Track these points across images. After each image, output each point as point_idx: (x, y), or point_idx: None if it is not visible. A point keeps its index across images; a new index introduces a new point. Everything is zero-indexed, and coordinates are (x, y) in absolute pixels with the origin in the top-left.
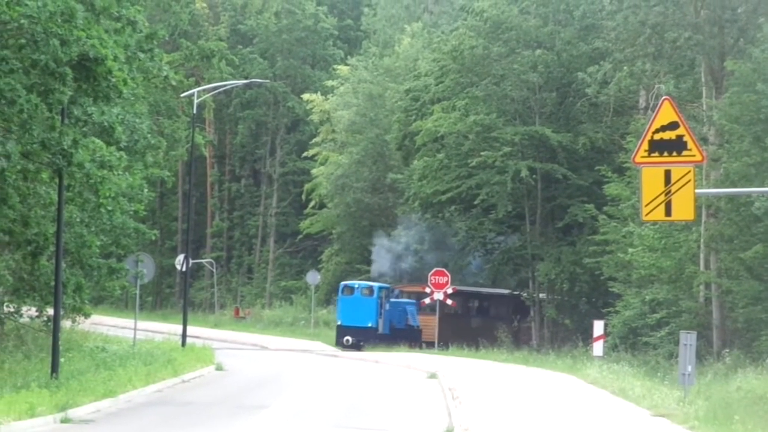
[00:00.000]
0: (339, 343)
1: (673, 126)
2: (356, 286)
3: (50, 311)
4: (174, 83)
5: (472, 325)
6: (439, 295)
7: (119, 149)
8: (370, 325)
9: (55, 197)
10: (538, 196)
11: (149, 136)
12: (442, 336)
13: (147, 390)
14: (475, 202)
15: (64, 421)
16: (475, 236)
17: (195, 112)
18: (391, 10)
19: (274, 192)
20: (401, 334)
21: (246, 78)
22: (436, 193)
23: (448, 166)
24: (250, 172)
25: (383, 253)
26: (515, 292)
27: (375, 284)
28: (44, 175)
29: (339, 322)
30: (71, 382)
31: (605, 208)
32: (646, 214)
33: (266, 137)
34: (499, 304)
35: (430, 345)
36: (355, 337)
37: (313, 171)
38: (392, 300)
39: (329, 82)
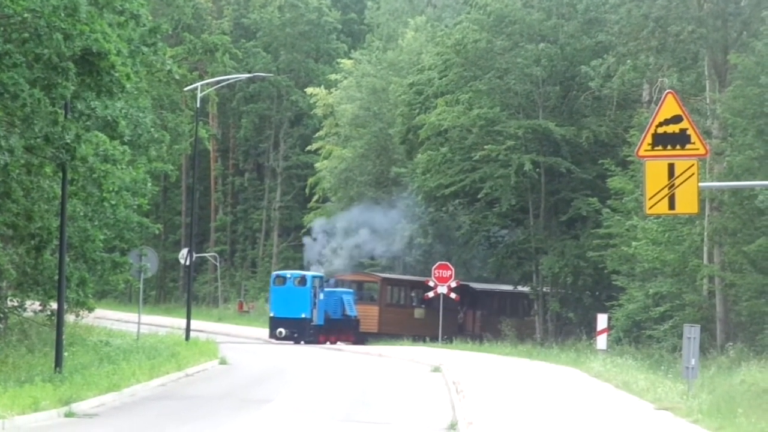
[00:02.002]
0: (272, 336)
1: (676, 119)
2: (288, 275)
3: (54, 305)
4: (177, 77)
5: (415, 316)
6: (443, 289)
7: (123, 143)
8: (303, 316)
9: (59, 191)
10: (542, 189)
11: (153, 130)
12: (383, 327)
13: (151, 384)
14: (479, 196)
15: (68, 415)
16: (478, 230)
17: (198, 105)
18: (394, 4)
19: (277, 186)
20: (337, 325)
21: (249, 72)
22: (439, 186)
23: (452, 160)
24: (253, 166)
25: (319, 238)
26: (462, 283)
27: (308, 273)
28: (48, 169)
29: (271, 314)
30: (75, 376)
31: (609, 202)
32: (650, 208)
33: (270, 131)
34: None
35: (369, 336)
36: (289, 329)
37: (317, 165)
38: (327, 289)
39: (333, 76)
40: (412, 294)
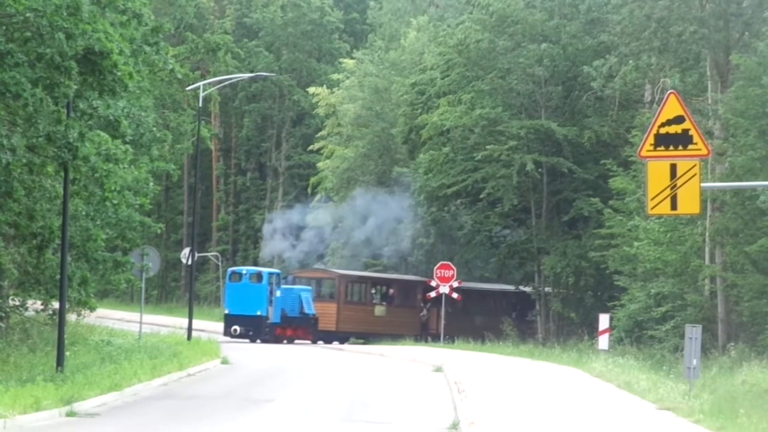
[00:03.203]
0: (227, 333)
1: (678, 120)
2: (244, 271)
3: (55, 305)
4: (179, 76)
5: (375, 313)
6: (444, 289)
7: (125, 143)
8: (259, 313)
9: (61, 190)
10: (544, 189)
11: (155, 129)
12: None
13: (152, 383)
14: (481, 196)
15: (70, 414)
16: (480, 230)
17: (200, 105)
18: (396, 4)
19: (279, 185)
20: (295, 323)
21: (251, 71)
22: (441, 186)
23: (454, 160)
24: (255, 166)
25: (276, 234)
26: (423, 279)
27: (264, 270)
28: (50, 169)
29: (226, 311)
30: (77, 375)
31: (611, 202)
32: (652, 208)
33: (272, 130)
34: (407, 290)
35: (329, 334)
36: (244, 327)
37: (319, 164)
38: (285, 287)
39: (335, 76)
40: (373, 291)
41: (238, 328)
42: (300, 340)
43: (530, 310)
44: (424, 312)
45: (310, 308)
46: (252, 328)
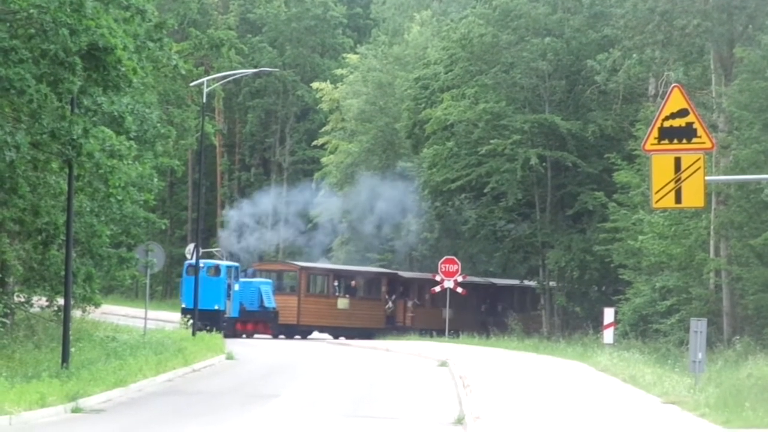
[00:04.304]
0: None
1: (682, 113)
2: (201, 264)
3: (60, 301)
4: (183, 72)
5: (338, 306)
6: (449, 283)
7: (129, 139)
8: (216, 307)
9: (65, 187)
10: (548, 183)
11: (159, 125)
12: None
13: (158, 379)
14: (485, 190)
15: (75, 410)
16: (485, 224)
17: (204, 101)
18: None
19: (283, 181)
20: (254, 317)
21: (255, 67)
22: (446, 181)
23: (458, 154)
24: (259, 161)
25: (233, 226)
26: (388, 271)
27: (222, 263)
28: (54, 165)
29: (183, 305)
30: (82, 371)
31: (615, 196)
32: (657, 201)
33: (276, 126)
34: (371, 282)
35: (290, 328)
36: (201, 321)
37: (323, 160)
38: (244, 280)
39: (339, 71)
40: (335, 284)
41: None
42: (260, 335)
43: (500, 302)
44: (390, 304)
45: (270, 302)
46: (209, 322)
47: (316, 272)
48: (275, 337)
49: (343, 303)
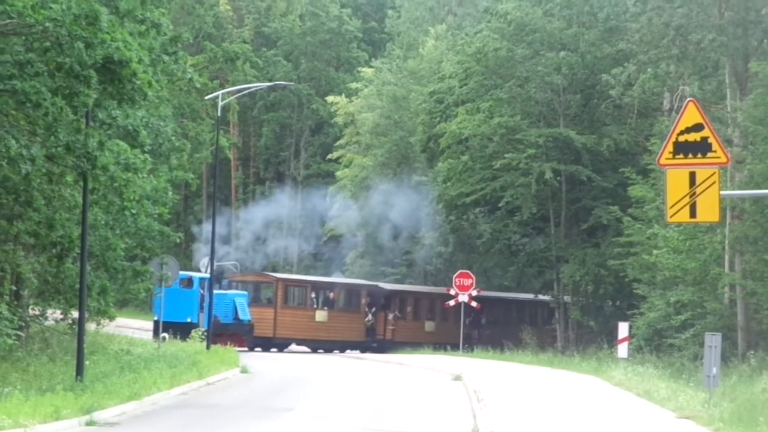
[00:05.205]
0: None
1: (697, 128)
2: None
3: (75, 314)
4: (198, 86)
5: (316, 319)
6: (463, 297)
7: (144, 152)
8: (189, 320)
9: (80, 200)
10: (563, 198)
11: (173, 138)
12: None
13: (172, 393)
14: (500, 205)
15: (89, 424)
16: (499, 238)
17: (219, 114)
18: (415, 13)
19: (298, 194)
20: (228, 329)
21: (270, 80)
22: (460, 195)
23: (473, 169)
24: (274, 175)
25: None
26: (368, 282)
27: (195, 275)
28: (69, 178)
29: (155, 318)
30: (96, 384)
31: (630, 210)
32: (671, 216)
33: (290, 140)
34: (351, 294)
35: (266, 341)
36: (173, 334)
37: (338, 173)
38: (218, 292)
39: (353, 85)
40: (313, 295)
41: (167, 335)
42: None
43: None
44: (370, 317)
45: (245, 314)
46: (182, 335)
47: (294, 284)
48: (251, 350)
49: (321, 315)
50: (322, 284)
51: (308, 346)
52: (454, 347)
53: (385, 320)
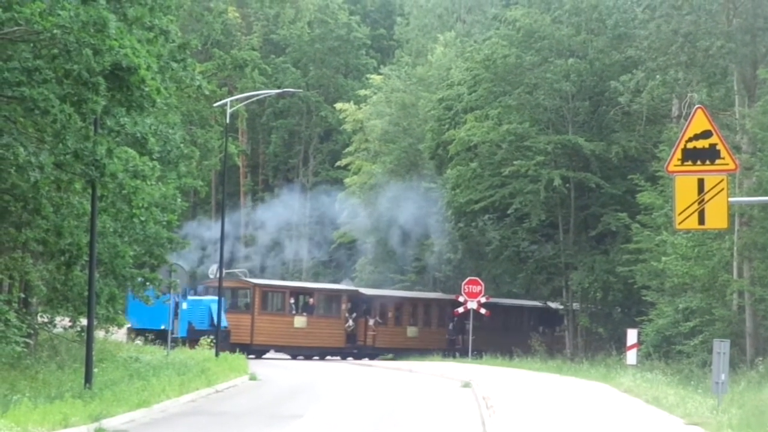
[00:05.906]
0: None
1: (706, 135)
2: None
3: (84, 321)
4: (207, 93)
5: (295, 325)
6: (473, 304)
7: (152, 159)
8: (163, 327)
9: (89, 207)
10: (572, 204)
11: (182, 145)
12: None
13: (181, 400)
14: (509, 211)
15: (98, 431)
16: (508, 245)
17: (228, 121)
18: (423, 20)
19: (307, 201)
20: (203, 337)
21: (279, 87)
22: (469, 202)
23: (482, 175)
24: (283, 182)
25: (196, 243)
26: (349, 288)
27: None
28: (77, 186)
29: (128, 325)
30: (105, 392)
31: (638, 217)
32: (680, 223)
33: (299, 147)
34: (330, 300)
35: (243, 347)
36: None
37: (346, 180)
38: (193, 298)
39: (362, 92)
40: (292, 301)
41: (140, 343)
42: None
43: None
44: (350, 323)
45: (222, 320)
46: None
47: (272, 289)
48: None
49: (300, 321)
50: (301, 290)
51: (287, 353)
52: (441, 353)
53: (366, 326)
